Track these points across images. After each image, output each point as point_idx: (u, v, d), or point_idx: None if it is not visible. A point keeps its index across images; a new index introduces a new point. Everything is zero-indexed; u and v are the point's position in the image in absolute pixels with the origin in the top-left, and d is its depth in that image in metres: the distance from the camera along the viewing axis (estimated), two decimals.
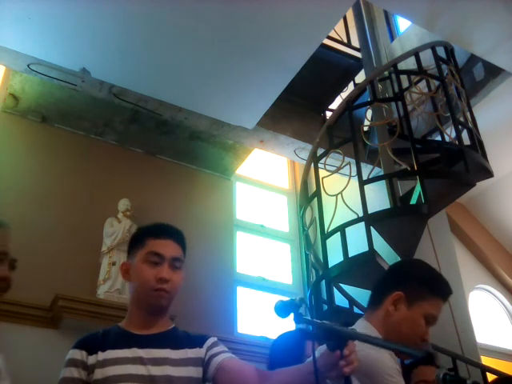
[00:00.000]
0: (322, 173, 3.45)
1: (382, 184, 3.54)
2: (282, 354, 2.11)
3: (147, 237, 1.57)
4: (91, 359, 1.43)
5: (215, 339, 1.55)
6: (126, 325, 1.54)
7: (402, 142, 3.38)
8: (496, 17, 3.46)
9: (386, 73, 3.88)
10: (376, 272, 3.03)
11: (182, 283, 1.56)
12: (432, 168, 3.39)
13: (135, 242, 1.61)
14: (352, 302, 3.35)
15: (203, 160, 4.67)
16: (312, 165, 3.49)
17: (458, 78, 3.69)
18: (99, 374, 1.40)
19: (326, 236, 3.17)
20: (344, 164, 3.33)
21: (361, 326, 1.58)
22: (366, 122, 3.77)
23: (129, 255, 1.62)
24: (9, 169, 3.82)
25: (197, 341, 1.52)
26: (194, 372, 1.44)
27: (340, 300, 3.21)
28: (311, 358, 1.85)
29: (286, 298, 1.25)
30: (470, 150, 3.34)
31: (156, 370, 1.40)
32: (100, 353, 1.43)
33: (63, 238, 3.75)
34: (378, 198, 3.70)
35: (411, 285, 1.56)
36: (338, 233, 3.11)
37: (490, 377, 3.45)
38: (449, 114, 3.44)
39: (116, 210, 3.99)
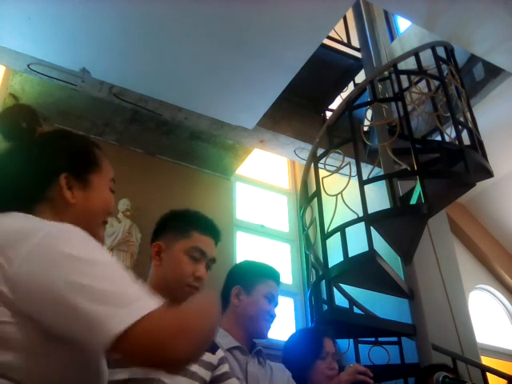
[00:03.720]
0: (322, 173, 3.45)
1: (382, 184, 3.54)
2: (298, 350, 2.13)
3: (193, 228, 1.52)
4: None
5: (222, 352, 1.57)
6: None
7: (402, 142, 3.37)
8: (496, 17, 3.45)
9: (386, 73, 3.88)
10: (376, 272, 3.04)
11: None
12: (432, 168, 3.39)
13: (178, 227, 1.54)
14: (352, 301, 3.35)
15: (203, 160, 4.67)
16: (312, 165, 3.49)
17: (458, 78, 3.68)
18: None
19: (325, 236, 3.17)
20: (344, 164, 3.33)
21: None
22: (366, 122, 3.77)
23: (163, 236, 1.54)
24: None
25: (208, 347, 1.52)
26: (204, 374, 1.44)
27: (340, 300, 3.21)
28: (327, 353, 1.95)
29: None
30: (470, 150, 3.34)
31: None
32: None
33: None
34: (378, 197, 3.69)
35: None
36: (338, 233, 3.11)
37: (490, 377, 3.46)
38: (449, 114, 3.44)
39: (116, 210, 3.98)
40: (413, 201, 3.23)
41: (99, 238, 1.04)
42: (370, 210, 3.09)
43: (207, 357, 1.47)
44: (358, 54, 4.38)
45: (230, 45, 3.39)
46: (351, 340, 3.38)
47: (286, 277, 4.87)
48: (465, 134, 3.45)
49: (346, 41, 4.46)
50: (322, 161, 3.47)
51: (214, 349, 1.52)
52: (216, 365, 1.49)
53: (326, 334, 2.15)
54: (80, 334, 0.79)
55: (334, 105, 4.54)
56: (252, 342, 1.91)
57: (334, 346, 2.12)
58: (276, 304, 1.96)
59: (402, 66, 3.78)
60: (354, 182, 3.25)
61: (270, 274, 1.98)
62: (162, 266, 1.49)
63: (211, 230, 1.55)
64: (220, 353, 1.53)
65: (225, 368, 1.51)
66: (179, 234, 1.52)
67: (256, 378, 1.78)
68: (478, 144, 3.44)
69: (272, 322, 1.92)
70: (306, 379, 2.04)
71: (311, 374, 2.04)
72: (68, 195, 1.00)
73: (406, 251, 3.26)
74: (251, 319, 1.87)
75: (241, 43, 3.39)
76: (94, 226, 1.04)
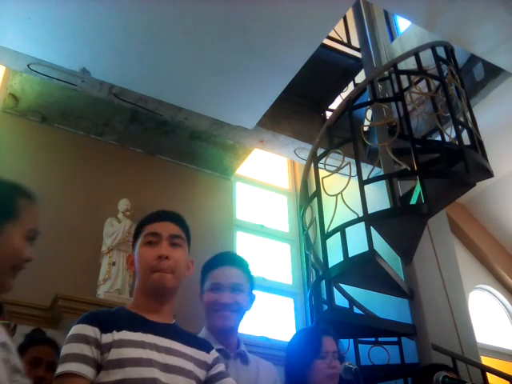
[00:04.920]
0: (322, 173, 3.45)
1: (382, 184, 3.54)
2: (297, 350, 2.12)
3: (145, 224, 1.56)
4: (105, 338, 1.33)
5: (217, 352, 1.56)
6: (135, 309, 1.47)
7: (402, 142, 3.37)
8: (496, 17, 3.45)
9: (386, 73, 3.88)
10: (376, 272, 3.04)
11: (185, 263, 1.53)
12: (432, 168, 3.39)
13: (136, 233, 1.58)
14: (352, 301, 3.35)
15: (203, 160, 4.67)
16: (312, 165, 3.49)
17: (458, 77, 3.68)
18: (115, 354, 1.31)
19: (325, 236, 3.17)
20: (344, 164, 3.33)
21: None
22: (366, 122, 3.77)
23: (133, 248, 1.59)
24: (8, 169, 3.82)
25: (203, 345, 1.51)
26: (199, 373, 1.44)
27: (340, 300, 3.21)
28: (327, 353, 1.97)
29: None
30: (470, 150, 3.34)
31: (170, 360, 1.37)
32: (115, 332, 1.34)
33: (63, 238, 3.75)
34: (378, 197, 3.69)
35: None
36: (338, 233, 3.11)
37: (490, 377, 3.46)
38: (449, 114, 3.44)
39: (116, 210, 3.99)
40: (413, 201, 3.23)
41: (4, 284, 1.17)
42: (370, 210, 3.09)
43: (202, 356, 1.47)
44: (358, 54, 4.38)
45: (230, 45, 3.39)
46: (351, 340, 3.38)
47: (286, 277, 4.87)
48: (465, 134, 3.45)
49: (346, 41, 4.46)
50: (322, 161, 3.47)
51: (208, 348, 1.51)
52: (211, 364, 1.48)
53: (325, 333, 2.14)
54: None
55: (334, 105, 4.54)
56: (237, 340, 1.88)
57: (335, 345, 2.11)
58: (228, 289, 1.84)
59: (402, 66, 3.78)
60: (354, 181, 3.25)
61: (210, 265, 1.91)
62: (136, 271, 1.52)
63: (160, 214, 1.57)
64: (215, 353, 1.52)
65: (220, 367, 1.49)
66: (137, 237, 1.56)
67: (237, 381, 1.76)
68: (478, 144, 3.44)
69: (227, 309, 1.82)
70: (306, 380, 2.03)
71: (311, 373, 2.03)
72: None
73: (406, 251, 3.26)
74: (206, 316, 1.86)
75: (241, 43, 3.39)
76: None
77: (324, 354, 2.05)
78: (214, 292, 1.84)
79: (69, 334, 1.37)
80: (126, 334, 1.36)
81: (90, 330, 1.34)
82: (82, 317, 1.40)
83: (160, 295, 1.47)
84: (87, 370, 1.29)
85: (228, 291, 1.84)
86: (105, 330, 1.35)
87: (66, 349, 1.33)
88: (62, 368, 1.30)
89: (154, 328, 1.41)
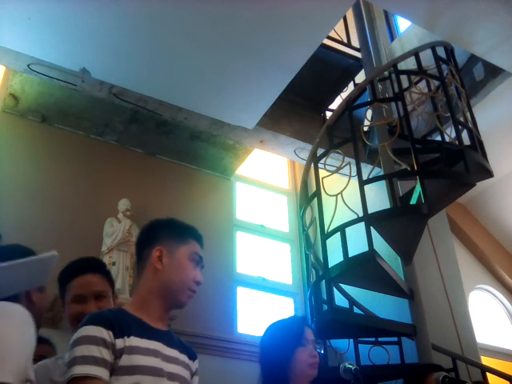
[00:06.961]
0: (322, 173, 3.45)
1: (382, 184, 3.54)
2: (280, 339, 2.04)
3: (191, 236, 1.57)
4: (119, 343, 1.32)
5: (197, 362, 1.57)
6: (136, 312, 1.44)
7: (402, 142, 3.37)
8: (496, 17, 3.45)
9: (386, 73, 3.88)
10: (376, 272, 3.04)
11: None
12: (432, 168, 3.39)
13: (177, 234, 1.55)
14: (352, 301, 3.35)
15: (203, 160, 4.67)
16: (312, 165, 3.49)
17: (458, 78, 3.68)
18: (126, 360, 1.30)
19: (326, 236, 3.17)
20: (344, 164, 3.33)
21: None
22: (366, 122, 3.77)
23: (160, 242, 1.52)
24: (9, 169, 3.82)
25: (190, 353, 1.52)
26: (189, 379, 1.47)
27: (340, 300, 3.21)
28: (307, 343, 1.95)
29: None
30: (470, 150, 3.34)
31: (171, 368, 1.39)
32: (126, 338, 1.34)
33: (63, 238, 3.75)
34: (378, 197, 3.70)
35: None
36: (338, 233, 3.11)
37: (490, 377, 3.46)
38: (449, 114, 3.44)
39: (116, 210, 3.99)
40: (413, 201, 3.23)
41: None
42: (370, 210, 3.09)
43: (191, 364, 1.50)
44: (358, 54, 4.38)
45: (230, 45, 3.39)
46: (351, 340, 3.38)
47: (286, 277, 4.87)
48: (465, 134, 3.45)
49: (346, 41, 4.46)
50: (322, 161, 3.47)
51: (194, 357, 1.53)
52: (192, 374, 1.50)
53: (306, 323, 2.12)
54: None
55: (334, 105, 4.54)
56: None
57: (313, 335, 2.07)
58: (92, 298, 1.80)
59: (401, 66, 3.78)
60: (354, 181, 3.25)
61: (69, 273, 1.86)
62: (164, 271, 1.48)
63: (201, 237, 1.62)
64: (196, 363, 1.55)
65: (196, 381, 1.52)
66: (179, 240, 1.54)
67: None
68: (478, 144, 3.44)
69: None
70: (286, 370, 1.94)
71: (292, 363, 1.95)
72: None
73: (406, 251, 3.26)
74: (72, 327, 1.82)
75: (241, 43, 3.39)
76: None
77: (305, 342, 2.01)
78: (79, 303, 1.76)
79: (82, 333, 1.32)
80: (135, 341, 1.35)
81: (106, 334, 1.32)
82: (94, 318, 1.36)
83: (175, 307, 1.52)
84: (106, 375, 1.28)
85: (92, 300, 1.75)
86: (117, 335, 1.33)
87: (84, 350, 1.29)
88: (81, 369, 1.26)
89: (156, 335, 1.42)
